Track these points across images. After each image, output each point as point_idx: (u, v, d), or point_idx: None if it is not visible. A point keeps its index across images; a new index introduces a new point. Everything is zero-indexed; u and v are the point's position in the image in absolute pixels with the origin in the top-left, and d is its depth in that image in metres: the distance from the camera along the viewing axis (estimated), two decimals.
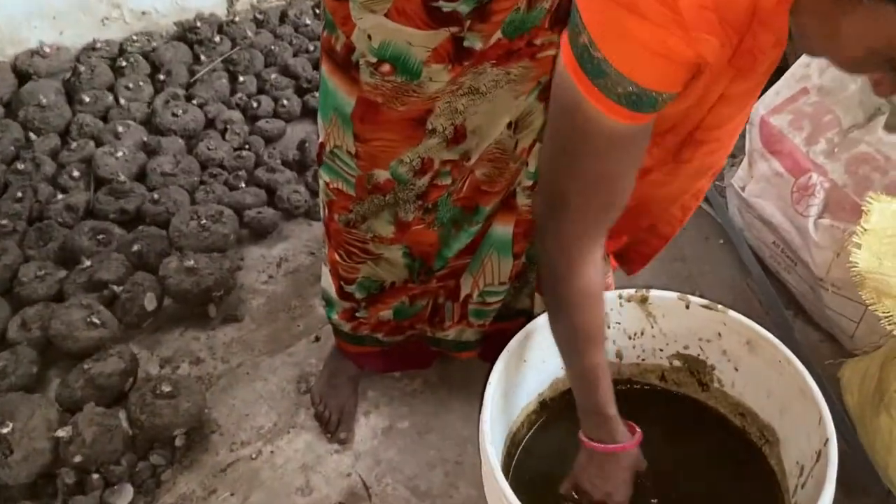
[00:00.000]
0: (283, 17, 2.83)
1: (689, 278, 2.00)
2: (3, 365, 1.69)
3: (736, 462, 1.28)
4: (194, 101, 2.43)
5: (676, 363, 1.34)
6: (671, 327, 1.30)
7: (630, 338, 1.32)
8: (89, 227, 2.02)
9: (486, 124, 1.22)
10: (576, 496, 1.20)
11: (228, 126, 2.37)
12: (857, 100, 1.67)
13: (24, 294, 1.87)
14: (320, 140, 1.32)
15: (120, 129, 2.29)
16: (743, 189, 1.80)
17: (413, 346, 1.64)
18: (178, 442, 1.65)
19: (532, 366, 1.27)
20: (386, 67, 1.12)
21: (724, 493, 1.25)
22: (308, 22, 2.78)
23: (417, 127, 1.20)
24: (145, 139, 2.30)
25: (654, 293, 1.27)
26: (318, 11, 2.84)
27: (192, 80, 2.53)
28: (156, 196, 2.09)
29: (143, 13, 2.67)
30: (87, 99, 2.39)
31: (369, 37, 1.10)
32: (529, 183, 1.29)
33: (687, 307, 1.26)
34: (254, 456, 1.66)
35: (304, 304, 1.98)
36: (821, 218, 1.61)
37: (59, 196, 2.13)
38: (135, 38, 2.63)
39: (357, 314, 1.56)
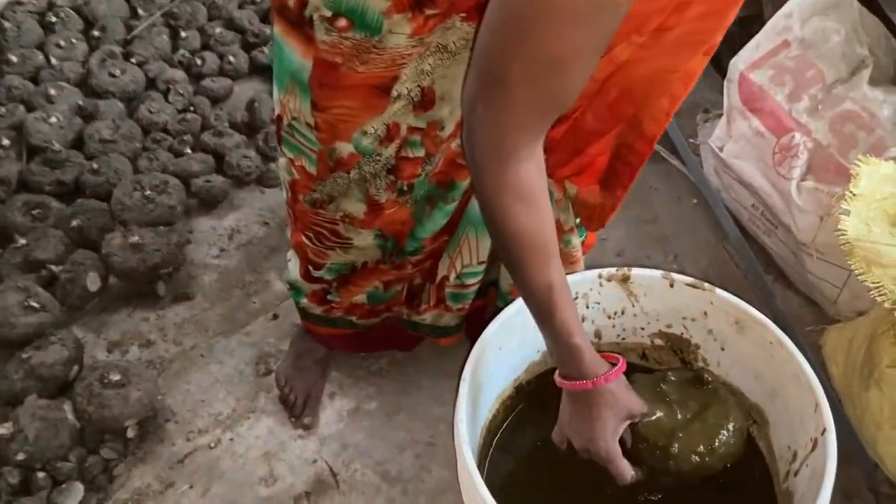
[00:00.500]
0: None
1: (663, 240, 1.93)
2: None
3: None
4: (133, 60, 2.28)
5: (658, 342, 1.27)
6: (654, 306, 1.23)
7: (609, 317, 1.24)
8: (22, 201, 1.90)
9: (456, 89, 1.10)
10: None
11: (171, 86, 2.23)
12: (840, 52, 1.59)
13: None
14: (277, 112, 1.20)
15: (52, 91, 2.14)
16: (721, 149, 1.73)
17: (391, 328, 1.55)
18: (130, 433, 1.56)
19: (508, 352, 1.19)
20: (342, 22, 1.00)
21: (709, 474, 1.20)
22: None
23: (382, 95, 1.09)
24: (81, 103, 2.14)
25: (636, 272, 1.20)
26: None
27: (129, 37, 2.37)
28: (95, 165, 1.97)
29: None
30: (15, 59, 2.22)
31: None
32: None
33: (671, 286, 1.19)
34: (212, 445, 1.58)
35: (259, 278, 1.87)
36: (804, 180, 1.55)
37: None
38: None
39: (329, 297, 1.47)
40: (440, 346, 1.60)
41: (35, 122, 2.04)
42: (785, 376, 1.10)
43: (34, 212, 1.89)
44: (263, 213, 2.02)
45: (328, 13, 1.01)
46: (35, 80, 2.22)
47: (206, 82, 2.27)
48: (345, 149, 1.16)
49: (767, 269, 1.73)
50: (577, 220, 1.38)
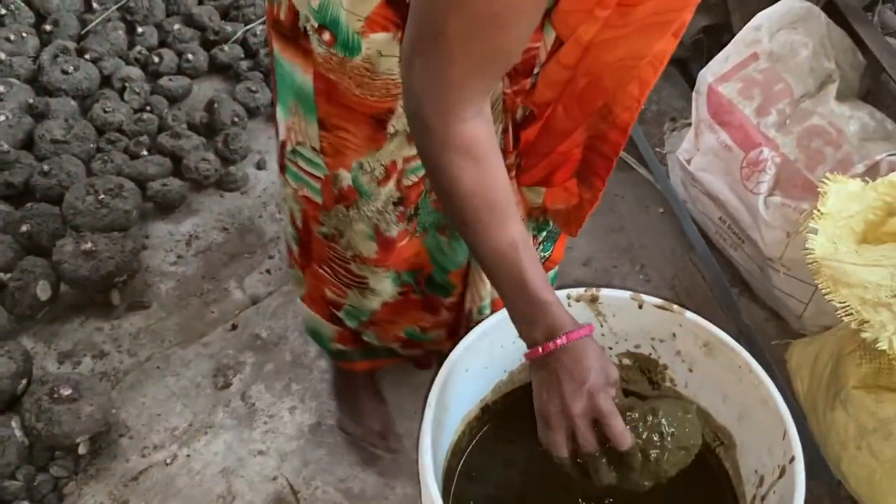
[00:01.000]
0: None
1: (629, 249, 1.92)
2: None
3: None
4: (87, 56, 2.21)
5: (626, 361, 1.25)
6: (622, 326, 1.21)
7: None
8: None
9: None
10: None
11: (127, 84, 2.16)
12: (808, 66, 1.59)
13: None
14: (281, 139, 1.16)
15: (1, 88, 2.07)
16: (688, 162, 1.72)
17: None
18: (81, 450, 1.52)
19: (475, 374, 1.17)
20: (326, 35, 0.97)
21: (675, 493, 1.19)
22: None
23: (378, 128, 1.05)
24: (31, 101, 2.08)
25: (604, 292, 1.17)
26: None
27: (83, 32, 2.30)
28: (46, 167, 1.90)
29: None
30: None
31: None
32: None
33: (640, 307, 1.16)
34: (168, 461, 1.54)
35: (217, 286, 1.82)
36: (771, 195, 1.54)
37: None
38: None
39: (364, 336, 1.42)
40: None
41: None
42: (753, 401, 1.09)
43: None
44: (223, 219, 1.97)
45: (316, 24, 0.98)
46: None
47: (164, 81, 2.21)
48: (345, 179, 1.12)
49: (733, 281, 1.73)
50: (545, 234, 1.35)
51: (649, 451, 0.96)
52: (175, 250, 1.90)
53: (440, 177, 0.88)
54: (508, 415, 1.26)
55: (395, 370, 1.63)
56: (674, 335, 1.18)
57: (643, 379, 1.27)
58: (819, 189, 1.30)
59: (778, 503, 1.02)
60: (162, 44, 2.34)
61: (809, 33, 1.61)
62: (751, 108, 1.59)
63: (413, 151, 1.09)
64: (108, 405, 1.54)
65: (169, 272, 1.85)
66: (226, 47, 2.30)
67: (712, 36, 2.06)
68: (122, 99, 2.14)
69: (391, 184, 1.13)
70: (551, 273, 1.46)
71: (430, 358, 1.56)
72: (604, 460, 0.94)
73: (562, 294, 1.19)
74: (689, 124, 1.76)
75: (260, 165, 2.09)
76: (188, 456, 1.55)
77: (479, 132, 0.85)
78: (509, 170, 1.15)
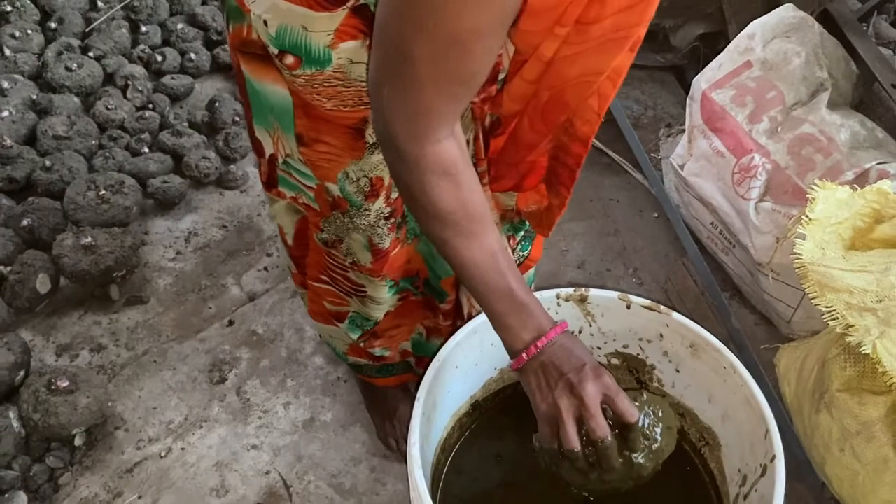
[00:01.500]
0: None
1: (623, 253, 1.94)
2: None
3: (674, 461, 1.23)
4: (91, 54, 2.23)
5: (615, 361, 1.27)
6: (611, 326, 1.22)
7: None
8: None
9: None
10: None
11: (130, 82, 2.18)
12: (801, 75, 1.61)
13: None
14: (269, 153, 1.16)
15: (5, 84, 2.09)
16: (681, 167, 1.73)
17: None
18: (77, 441, 1.53)
19: (464, 371, 1.18)
20: (290, 59, 0.97)
21: (661, 493, 1.21)
22: None
23: (356, 137, 1.05)
24: (35, 97, 2.10)
25: (593, 292, 1.19)
26: None
27: (88, 30, 2.32)
28: (48, 163, 1.92)
29: None
30: None
31: (265, 23, 0.95)
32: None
33: (628, 307, 1.18)
34: (163, 454, 1.55)
35: (215, 283, 1.84)
36: (762, 201, 1.56)
37: None
38: None
39: (375, 353, 1.43)
40: None
41: None
42: (737, 401, 1.10)
43: None
44: (222, 216, 1.99)
45: (275, 50, 0.97)
46: None
47: (166, 79, 2.23)
48: (334, 190, 1.13)
49: (724, 286, 1.75)
50: (521, 234, 1.37)
51: (631, 450, 0.98)
52: (174, 246, 1.92)
53: (419, 198, 0.89)
54: (498, 412, 1.27)
55: None
56: (661, 336, 1.19)
57: (631, 379, 1.28)
58: (808, 195, 1.32)
59: (759, 501, 1.04)
60: (165, 43, 2.36)
61: (802, 42, 1.62)
62: (743, 114, 1.61)
63: None
64: (104, 398, 1.56)
65: (167, 268, 1.87)
66: (227, 47, 2.32)
67: (709, 44, 2.08)
68: (125, 97, 2.16)
69: (380, 200, 1.13)
70: (530, 271, 1.48)
71: None
72: (614, 448, 0.95)
73: (551, 294, 1.21)
74: (684, 130, 1.78)
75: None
76: (183, 449, 1.56)
77: (452, 150, 0.87)
78: (482, 176, 1.16)
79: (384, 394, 1.58)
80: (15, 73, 2.14)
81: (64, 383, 1.50)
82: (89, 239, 1.72)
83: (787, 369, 1.48)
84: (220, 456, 1.55)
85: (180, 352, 1.71)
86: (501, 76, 1.02)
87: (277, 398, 1.64)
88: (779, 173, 1.54)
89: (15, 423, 1.49)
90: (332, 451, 1.56)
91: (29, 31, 2.25)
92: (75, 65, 2.15)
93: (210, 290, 1.83)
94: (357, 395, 1.64)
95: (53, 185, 1.89)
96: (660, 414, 1.01)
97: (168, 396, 1.64)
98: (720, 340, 1.13)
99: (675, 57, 2.22)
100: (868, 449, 1.19)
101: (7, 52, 2.18)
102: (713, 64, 1.69)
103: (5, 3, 2.30)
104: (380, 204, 1.14)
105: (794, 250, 1.27)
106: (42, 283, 1.70)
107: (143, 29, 2.33)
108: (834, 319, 1.21)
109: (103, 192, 1.84)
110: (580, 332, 1.25)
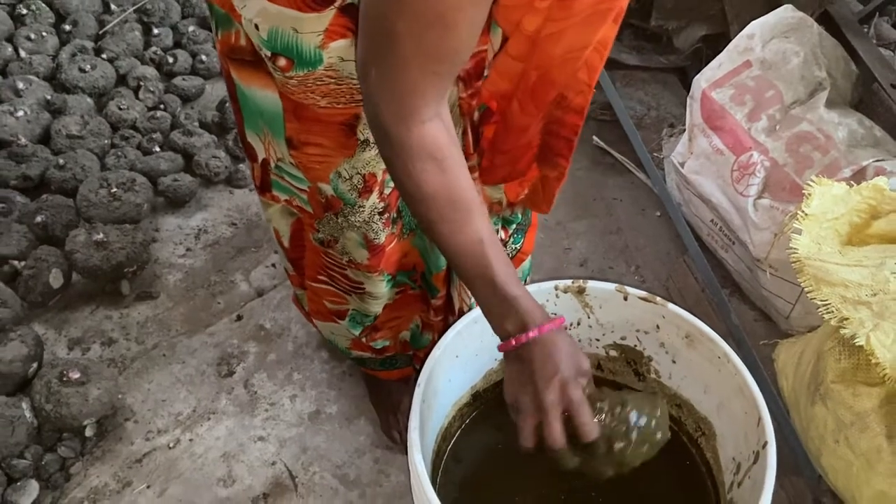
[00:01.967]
0: None
1: (625, 251, 1.96)
2: None
3: (672, 452, 1.25)
4: (104, 55, 2.27)
5: (613, 353, 1.29)
6: (608, 318, 1.25)
7: (566, 328, 1.26)
8: None
9: None
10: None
11: (142, 83, 2.22)
12: (800, 74, 1.63)
13: None
14: (261, 158, 1.18)
15: (20, 85, 2.13)
16: (682, 165, 1.76)
17: None
18: (88, 432, 1.56)
19: (465, 360, 1.21)
20: (282, 61, 0.99)
21: (659, 483, 1.23)
22: None
23: (349, 134, 1.08)
24: (49, 97, 2.13)
25: (591, 284, 1.21)
26: None
27: (101, 32, 2.36)
28: (61, 161, 1.96)
29: None
30: None
31: (256, 27, 0.97)
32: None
33: (625, 299, 1.20)
34: (171, 445, 1.58)
35: (224, 279, 1.87)
36: (760, 198, 1.58)
37: None
38: None
39: (375, 345, 1.46)
40: None
41: (2, 115, 2.03)
42: (731, 390, 1.12)
43: None
44: (231, 214, 2.03)
45: (268, 52, 0.99)
46: (3, 72, 2.21)
47: (178, 80, 2.26)
48: (327, 190, 1.15)
49: (724, 283, 1.77)
50: (514, 227, 1.39)
51: (614, 442, 0.98)
52: (184, 243, 1.95)
53: (405, 181, 0.90)
54: (498, 402, 1.28)
55: None
56: (657, 327, 1.21)
57: (629, 370, 1.30)
58: (804, 191, 1.34)
59: (752, 488, 1.05)
60: (176, 45, 2.40)
61: (801, 42, 1.65)
62: (742, 113, 1.63)
63: None
64: (114, 390, 1.59)
65: (177, 264, 1.91)
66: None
67: (711, 45, 2.11)
68: (137, 97, 2.20)
69: (374, 196, 1.15)
70: (525, 264, 1.49)
71: None
72: (567, 447, 0.96)
73: (549, 285, 1.23)
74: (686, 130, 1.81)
75: None
76: (191, 440, 1.59)
77: (438, 133, 0.87)
78: (472, 171, 1.16)
79: (388, 387, 1.60)
80: (30, 74, 2.19)
81: (75, 375, 1.53)
82: (101, 235, 1.75)
83: (784, 364, 1.50)
84: (228, 447, 1.58)
85: (189, 345, 1.74)
86: (486, 73, 1.04)
87: (284, 391, 1.67)
88: (777, 171, 1.56)
89: (28, 414, 1.52)
90: (336, 442, 1.59)
91: (44, 34, 2.29)
92: (89, 66, 2.19)
93: (219, 285, 1.86)
94: (361, 389, 1.66)
95: (67, 183, 1.93)
96: (636, 423, 0.99)
97: (177, 389, 1.67)
98: (720, 337, 1.15)
99: (677, 58, 2.25)
100: (862, 439, 1.21)
101: (23, 53, 2.23)
102: (713, 63, 1.72)
103: (21, 6, 2.34)
104: (373, 200, 1.16)
105: (791, 245, 1.29)
106: (55, 278, 1.73)
107: (156, 31, 2.37)
108: (829, 313, 1.23)
109: (115, 189, 1.88)
110: (578, 323, 1.27)
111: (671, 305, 1.18)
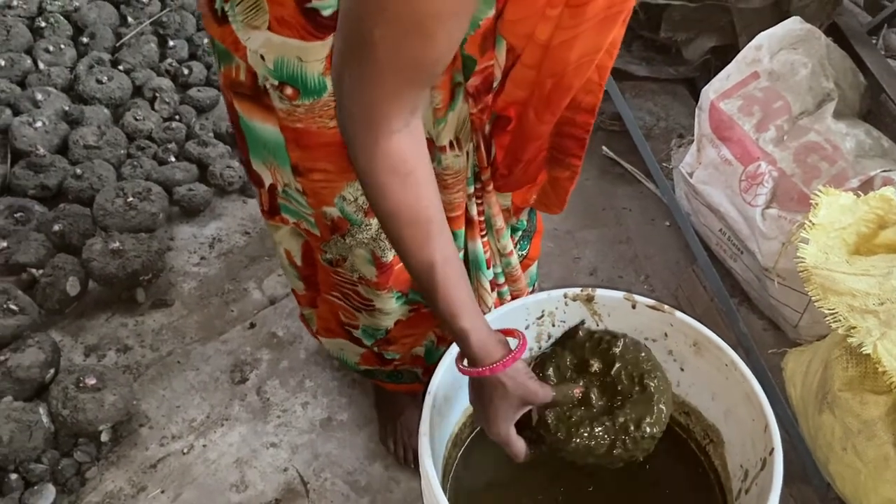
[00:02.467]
0: None
1: (635, 260, 1.97)
2: None
3: (680, 459, 1.27)
4: (121, 67, 2.30)
5: None
6: (617, 326, 1.25)
7: (524, 355, 1.27)
8: (5, 204, 1.92)
9: (432, 133, 1.09)
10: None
11: (157, 94, 2.25)
12: (807, 85, 1.64)
13: None
14: (269, 183, 1.19)
15: (39, 96, 2.16)
16: (691, 175, 1.77)
17: None
18: (104, 437, 1.58)
19: None
20: (289, 90, 1.00)
21: (667, 490, 1.24)
22: None
23: None
24: (67, 108, 2.17)
25: (599, 292, 1.23)
26: None
27: (118, 44, 2.40)
28: (78, 171, 1.99)
29: None
30: (3, 62, 2.24)
31: (262, 57, 0.99)
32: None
33: (633, 307, 1.22)
34: (185, 450, 1.60)
35: (238, 287, 1.90)
36: (768, 208, 1.59)
37: None
38: None
39: (387, 356, 1.46)
40: None
41: (21, 126, 2.06)
42: (738, 397, 1.13)
43: (17, 215, 1.90)
44: (245, 223, 2.05)
45: (276, 81, 1.00)
46: (22, 84, 2.24)
47: (193, 92, 2.29)
48: (332, 212, 1.16)
49: (733, 292, 1.78)
50: (520, 233, 1.40)
51: (615, 443, 1.07)
52: (198, 252, 1.98)
53: (369, 192, 0.88)
54: None
55: None
56: (665, 335, 1.22)
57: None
58: (812, 201, 1.35)
59: (759, 494, 1.06)
60: (192, 57, 2.43)
61: (809, 54, 1.66)
62: (750, 124, 1.64)
63: None
64: (130, 396, 1.61)
65: (192, 272, 1.93)
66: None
67: (720, 57, 2.12)
68: (153, 108, 2.23)
69: None
70: (531, 269, 1.50)
71: None
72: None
73: (559, 293, 1.24)
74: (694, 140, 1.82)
75: None
76: (204, 446, 1.61)
77: (406, 147, 0.84)
78: (486, 184, 1.20)
79: (393, 397, 1.61)
80: (48, 85, 2.22)
81: (92, 381, 1.56)
82: (117, 244, 1.78)
83: (793, 373, 1.50)
84: (241, 453, 1.60)
85: (203, 353, 1.76)
86: (495, 85, 1.06)
87: (296, 398, 1.69)
88: (785, 180, 1.58)
89: (45, 419, 1.54)
90: (347, 449, 1.61)
91: (62, 46, 2.33)
92: (106, 78, 2.22)
93: (232, 293, 1.89)
94: (372, 397, 1.68)
95: (84, 193, 1.96)
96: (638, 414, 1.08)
97: (191, 395, 1.69)
98: (729, 346, 1.17)
99: (687, 69, 2.27)
100: (869, 447, 1.22)
101: (41, 65, 2.27)
102: (721, 75, 1.73)
103: (40, 18, 2.38)
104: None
105: (798, 254, 1.30)
106: (72, 286, 1.76)
107: (171, 43, 2.41)
108: (836, 322, 1.24)
109: (131, 199, 1.91)
110: None
111: (679, 313, 1.19)
